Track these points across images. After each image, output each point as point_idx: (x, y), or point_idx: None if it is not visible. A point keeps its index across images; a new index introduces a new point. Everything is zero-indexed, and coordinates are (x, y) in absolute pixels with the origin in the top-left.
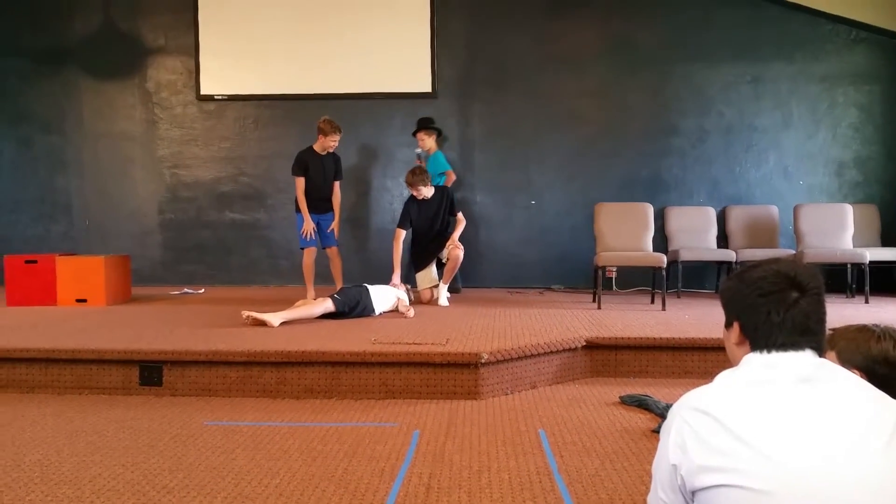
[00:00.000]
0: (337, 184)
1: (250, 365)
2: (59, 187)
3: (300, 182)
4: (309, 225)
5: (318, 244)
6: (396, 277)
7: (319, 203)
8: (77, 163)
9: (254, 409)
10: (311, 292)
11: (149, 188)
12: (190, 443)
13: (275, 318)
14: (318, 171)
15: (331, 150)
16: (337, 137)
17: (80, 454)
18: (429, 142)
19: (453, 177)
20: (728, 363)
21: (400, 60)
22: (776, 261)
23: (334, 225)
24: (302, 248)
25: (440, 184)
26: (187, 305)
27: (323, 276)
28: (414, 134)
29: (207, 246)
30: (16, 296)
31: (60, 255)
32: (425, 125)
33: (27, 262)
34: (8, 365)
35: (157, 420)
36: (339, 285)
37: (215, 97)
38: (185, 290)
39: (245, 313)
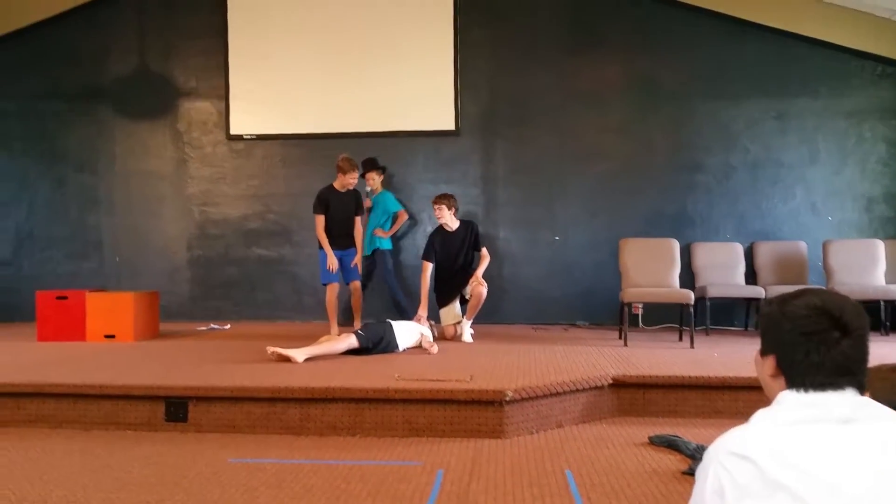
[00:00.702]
0: (358, 219)
1: (275, 401)
2: (91, 225)
3: (320, 219)
4: (332, 260)
5: (340, 280)
6: (423, 310)
7: (341, 239)
8: (109, 201)
9: (278, 445)
10: (334, 328)
11: (178, 225)
12: (214, 480)
13: (299, 354)
14: (338, 209)
15: (350, 188)
16: (356, 175)
17: (106, 490)
18: (377, 181)
19: (405, 216)
20: (762, 402)
21: (424, 99)
22: (820, 293)
23: (356, 260)
24: (324, 284)
25: (386, 228)
26: (214, 341)
27: (347, 312)
28: (362, 175)
29: (234, 282)
30: (47, 331)
31: (90, 292)
32: (374, 165)
33: (58, 298)
34: (38, 400)
35: (182, 457)
36: (357, 319)
37: (244, 137)
38: (212, 325)
39: (270, 349)
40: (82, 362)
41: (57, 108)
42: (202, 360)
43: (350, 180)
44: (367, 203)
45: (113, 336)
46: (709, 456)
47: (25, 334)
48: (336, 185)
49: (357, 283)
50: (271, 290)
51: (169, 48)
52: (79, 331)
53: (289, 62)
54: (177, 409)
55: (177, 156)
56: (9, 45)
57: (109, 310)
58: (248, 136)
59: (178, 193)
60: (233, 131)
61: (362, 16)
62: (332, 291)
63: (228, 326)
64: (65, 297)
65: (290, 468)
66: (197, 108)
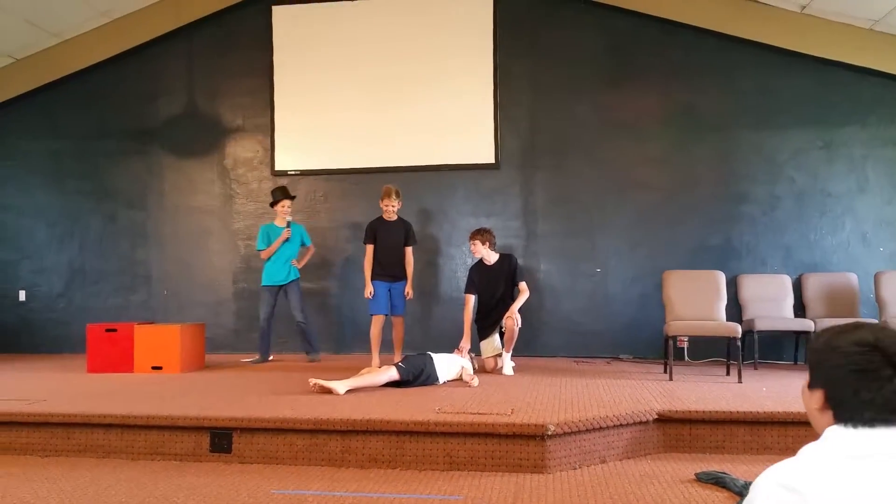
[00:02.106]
0: (409, 249)
1: (316, 433)
2: (140, 259)
3: (368, 249)
4: (368, 288)
5: (387, 311)
6: (466, 342)
7: (390, 269)
8: (157, 236)
9: (319, 477)
10: (376, 360)
11: (224, 259)
12: None
13: (341, 386)
14: (385, 238)
15: (393, 215)
16: (389, 201)
17: None
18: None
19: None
20: (811, 437)
21: (464, 133)
22: (872, 328)
23: (407, 287)
24: (371, 315)
25: (293, 255)
26: (257, 373)
27: (389, 345)
28: (273, 204)
29: (277, 314)
30: (96, 363)
31: (139, 324)
32: (285, 195)
33: (107, 330)
34: (87, 430)
35: (225, 487)
36: (398, 352)
37: (288, 172)
38: (257, 357)
39: (312, 381)
40: (130, 393)
41: (108, 147)
42: (246, 391)
43: (385, 206)
44: (286, 233)
45: (160, 368)
46: (757, 487)
47: (76, 366)
48: (383, 214)
49: (400, 318)
50: (314, 322)
51: (216, 88)
52: (127, 363)
53: (332, 99)
54: (221, 440)
55: (223, 192)
56: (65, 88)
57: (157, 342)
58: (293, 172)
59: (225, 228)
60: (277, 167)
61: (403, 52)
62: (378, 323)
63: (272, 358)
64: (114, 330)
65: (331, 500)
66: (243, 146)
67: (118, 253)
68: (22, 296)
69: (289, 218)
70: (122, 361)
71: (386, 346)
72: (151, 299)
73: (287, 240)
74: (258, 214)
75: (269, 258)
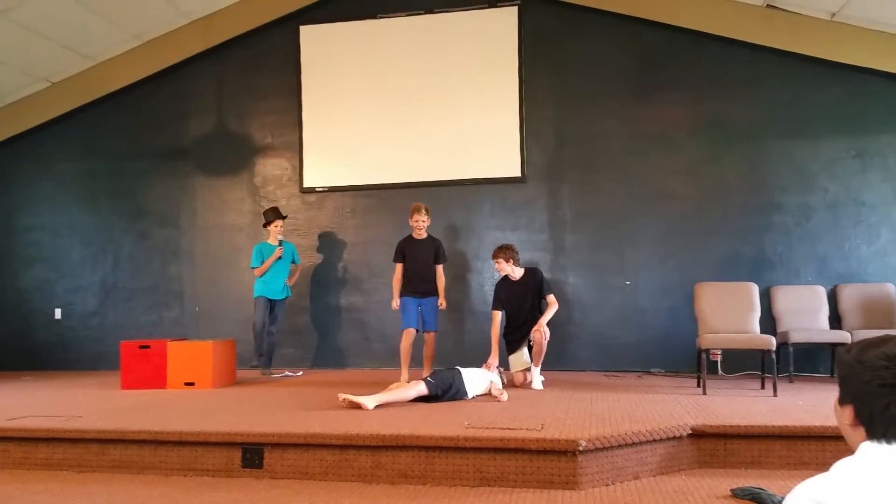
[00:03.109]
0: (440, 268)
1: (346, 448)
2: (172, 276)
3: (398, 268)
4: (395, 302)
5: (419, 327)
6: (493, 358)
7: (420, 286)
8: (189, 253)
9: (349, 493)
10: (405, 374)
11: (254, 276)
12: None
13: (370, 401)
14: (414, 256)
15: (423, 233)
16: (419, 216)
17: None
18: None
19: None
20: (849, 451)
21: (489, 147)
22: None
23: (441, 299)
24: (402, 330)
25: (287, 272)
26: (287, 388)
27: (417, 359)
28: (266, 225)
29: (306, 330)
30: (130, 379)
31: (171, 341)
32: (276, 215)
33: (141, 347)
34: (121, 446)
35: (257, 503)
36: (427, 368)
37: (317, 189)
38: (286, 372)
39: (342, 396)
40: (163, 409)
41: (141, 167)
42: (277, 406)
43: (413, 223)
44: (278, 252)
45: (192, 384)
46: (788, 503)
47: (110, 382)
48: (413, 232)
49: (432, 335)
50: (342, 337)
51: (246, 108)
52: (160, 379)
53: (359, 116)
54: (252, 455)
55: (253, 209)
56: (99, 109)
57: (189, 358)
58: (321, 189)
59: (255, 245)
60: (306, 184)
61: (429, 68)
62: (408, 337)
63: (301, 373)
64: (147, 347)
65: None
66: (272, 164)
67: (151, 271)
68: (58, 314)
69: (280, 237)
70: (155, 377)
71: (416, 361)
72: (184, 316)
73: (279, 258)
74: (287, 231)
75: (261, 275)
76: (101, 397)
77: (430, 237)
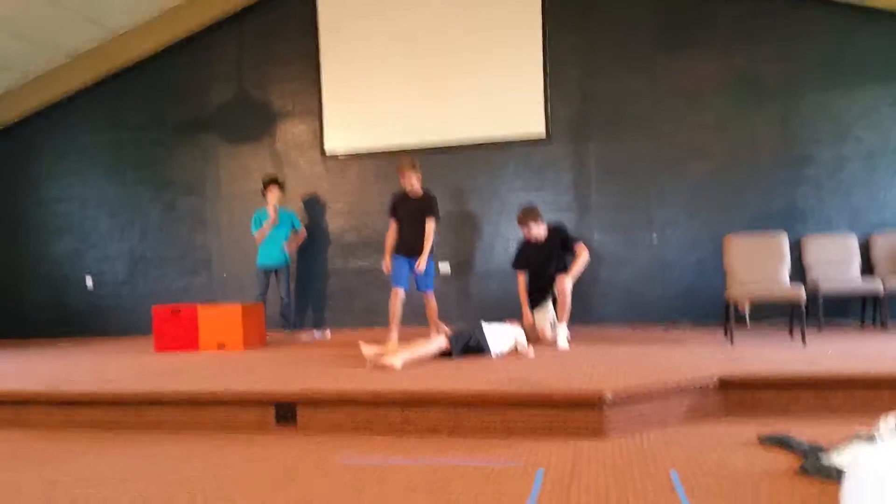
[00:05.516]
0: (430, 222)
1: (377, 405)
2: (199, 244)
3: (392, 223)
4: (386, 264)
5: (404, 284)
6: (528, 318)
7: (410, 244)
8: (215, 221)
9: (381, 446)
10: (394, 335)
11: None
12: (323, 478)
13: (397, 360)
14: (405, 213)
15: (414, 190)
16: (404, 173)
17: (226, 489)
18: (279, 195)
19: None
20: (878, 399)
21: (513, 107)
22: None
23: (419, 261)
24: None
25: (285, 238)
26: (317, 348)
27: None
28: (263, 191)
29: (333, 292)
30: (163, 342)
31: (202, 305)
32: (272, 180)
33: (172, 311)
34: (157, 408)
35: (291, 457)
36: (432, 328)
37: (339, 157)
38: (315, 333)
39: (367, 354)
40: (197, 371)
41: (164, 137)
42: (308, 365)
43: (401, 181)
44: (271, 217)
45: (224, 345)
46: (850, 471)
47: (143, 347)
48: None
49: (428, 294)
50: (368, 298)
51: (265, 75)
52: (192, 341)
53: (378, 79)
54: (286, 412)
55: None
56: (121, 81)
57: (220, 321)
58: (342, 156)
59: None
60: (328, 150)
61: (449, 28)
62: (395, 296)
63: (329, 334)
64: (178, 311)
65: (393, 468)
66: (293, 130)
67: (178, 239)
68: (89, 282)
69: (276, 203)
70: (187, 340)
71: (423, 321)
72: (212, 282)
73: (276, 224)
74: (311, 196)
75: (261, 242)
76: (136, 361)
77: (425, 193)
